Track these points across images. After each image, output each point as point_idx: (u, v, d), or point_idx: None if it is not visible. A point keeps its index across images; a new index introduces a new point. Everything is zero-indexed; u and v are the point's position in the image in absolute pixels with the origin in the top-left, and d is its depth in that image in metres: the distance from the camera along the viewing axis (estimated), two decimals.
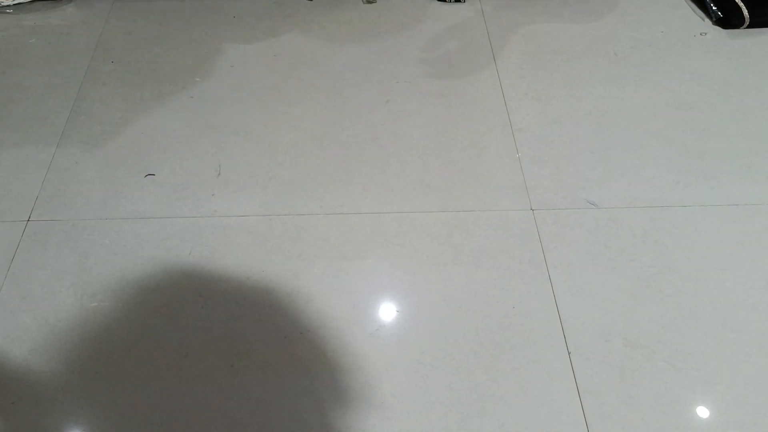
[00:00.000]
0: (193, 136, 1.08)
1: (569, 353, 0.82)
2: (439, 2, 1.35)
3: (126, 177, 1.02)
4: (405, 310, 0.86)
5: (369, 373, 0.80)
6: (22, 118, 1.11)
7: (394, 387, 0.79)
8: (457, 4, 1.35)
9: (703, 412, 0.77)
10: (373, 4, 1.35)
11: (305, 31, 1.28)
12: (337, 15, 1.31)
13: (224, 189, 1.00)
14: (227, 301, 0.87)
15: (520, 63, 1.21)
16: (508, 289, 0.88)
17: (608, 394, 0.78)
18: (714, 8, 1.30)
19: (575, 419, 0.76)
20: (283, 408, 0.77)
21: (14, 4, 1.30)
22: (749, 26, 1.28)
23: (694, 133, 1.09)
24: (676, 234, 0.94)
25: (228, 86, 1.16)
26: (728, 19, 1.29)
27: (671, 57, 1.23)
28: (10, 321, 0.85)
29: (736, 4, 1.27)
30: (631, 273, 0.90)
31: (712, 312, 0.86)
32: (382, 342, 0.83)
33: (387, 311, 0.86)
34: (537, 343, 0.83)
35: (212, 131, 1.09)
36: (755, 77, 1.19)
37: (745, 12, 1.26)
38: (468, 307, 0.86)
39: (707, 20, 1.31)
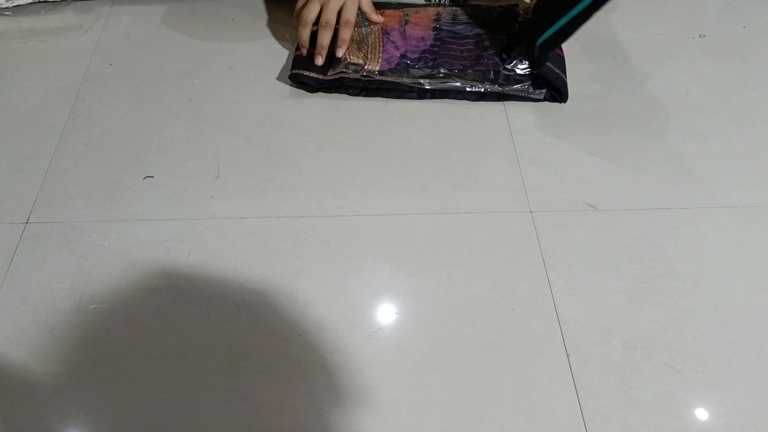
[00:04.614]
0: (192, 138, 1.08)
1: (568, 355, 0.82)
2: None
3: (125, 179, 1.02)
4: (404, 312, 0.86)
5: (368, 375, 0.80)
6: (20, 119, 1.11)
7: (394, 389, 0.79)
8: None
9: (702, 414, 0.77)
10: None
11: None
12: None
13: (223, 191, 1.00)
14: (226, 303, 0.87)
15: None
16: (507, 291, 0.88)
17: (607, 396, 0.78)
18: None
19: (574, 421, 0.76)
20: (282, 410, 0.77)
21: (12, 6, 1.30)
22: None
23: (693, 135, 1.09)
24: (676, 236, 0.94)
25: (227, 88, 1.17)
26: None
27: (670, 59, 1.23)
28: (9, 323, 0.85)
29: None
30: (630, 275, 0.90)
31: (711, 313, 0.86)
32: (382, 344, 0.83)
33: (386, 313, 0.86)
34: (536, 345, 0.83)
35: (211, 133, 1.09)
36: (754, 79, 1.19)
37: None
38: (467, 308, 0.86)
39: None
